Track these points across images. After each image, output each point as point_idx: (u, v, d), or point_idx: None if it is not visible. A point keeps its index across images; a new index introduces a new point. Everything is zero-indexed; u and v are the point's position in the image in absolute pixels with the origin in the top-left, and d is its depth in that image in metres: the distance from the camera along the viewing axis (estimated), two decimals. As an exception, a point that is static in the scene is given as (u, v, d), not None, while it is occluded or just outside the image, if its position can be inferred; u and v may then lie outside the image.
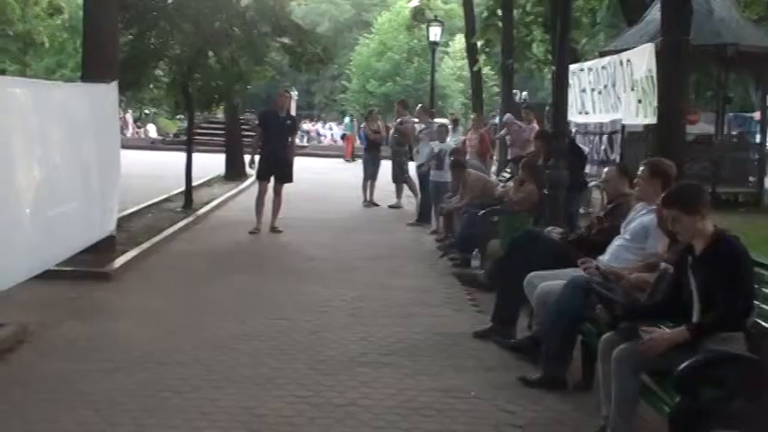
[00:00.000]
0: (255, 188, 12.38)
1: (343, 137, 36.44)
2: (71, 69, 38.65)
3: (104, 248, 8.83)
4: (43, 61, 39.79)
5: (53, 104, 7.20)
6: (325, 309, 7.32)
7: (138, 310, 7.04)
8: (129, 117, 46.87)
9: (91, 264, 8.27)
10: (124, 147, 31.18)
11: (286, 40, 13.94)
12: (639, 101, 9.82)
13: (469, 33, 22.11)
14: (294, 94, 49.04)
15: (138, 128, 50.00)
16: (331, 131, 49.57)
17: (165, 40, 13.78)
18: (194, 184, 16.64)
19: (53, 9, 26.78)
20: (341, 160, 32.32)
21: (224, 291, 7.98)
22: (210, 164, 20.59)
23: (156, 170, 20.38)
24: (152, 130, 46.89)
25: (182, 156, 14.26)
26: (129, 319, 6.68)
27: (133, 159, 26.46)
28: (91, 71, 9.09)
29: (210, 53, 14.11)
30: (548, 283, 5.40)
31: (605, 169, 6.60)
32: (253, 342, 6.12)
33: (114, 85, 9.04)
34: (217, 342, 6.09)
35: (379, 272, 9.22)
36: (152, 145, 38.22)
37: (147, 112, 47.85)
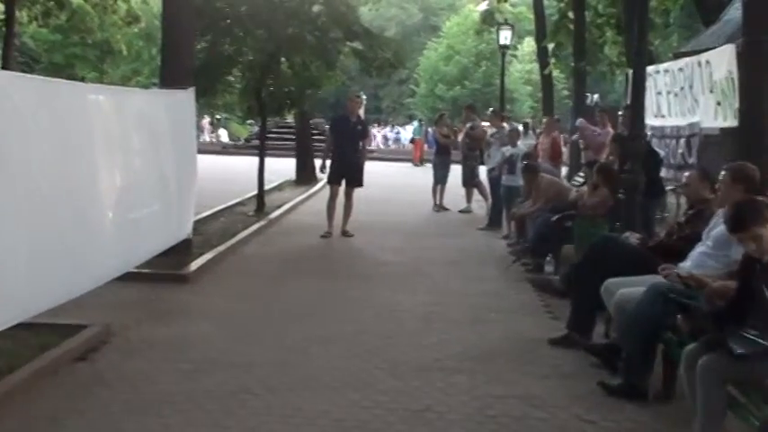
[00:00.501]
0: (326, 192, 12.50)
1: (412, 141, 36.42)
2: (146, 76, 39.58)
3: (181, 251, 9.01)
4: (120, 69, 40.80)
5: (134, 111, 7.39)
6: (397, 313, 7.33)
7: (214, 311, 7.16)
8: (206, 122, 47.79)
9: (168, 266, 8.43)
10: (198, 151, 31.78)
11: (357, 45, 14.02)
12: (719, 103, 9.55)
13: (540, 36, 21.88)
14: (363, 98, 49.46)
15: (211, 133, 50.96)
16: (398, 135, 49.65)
17: (238, 46, 14.00)
18: (267, 188, 16.90)
19: (131, 18, 27.36)
20: (409, 164, 32.34)
21: (297, 294, 8.06)
22: (281, 168, 20.85)
23: (228, 174, 20.73)
24: (224, 135, 47.68)
25: (252, 160, 14.46)
26: (206, 321, 6.80)
27: (206, 164, 27.16)
28: (168, 78, 9.29)
29: (283, 59, 14.29)
30: (627, 290, 5.30)
31: (685, 173, 6.44)
32: (327, 345, 6.16)
33: (191, 92, 9.22)
34: (292, 345, 6.15)
35: (451, 277, 9.20)
36: (224, 150, 38.85)
37: (218, 117, 48.71)
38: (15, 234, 5.14)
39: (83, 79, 37.68)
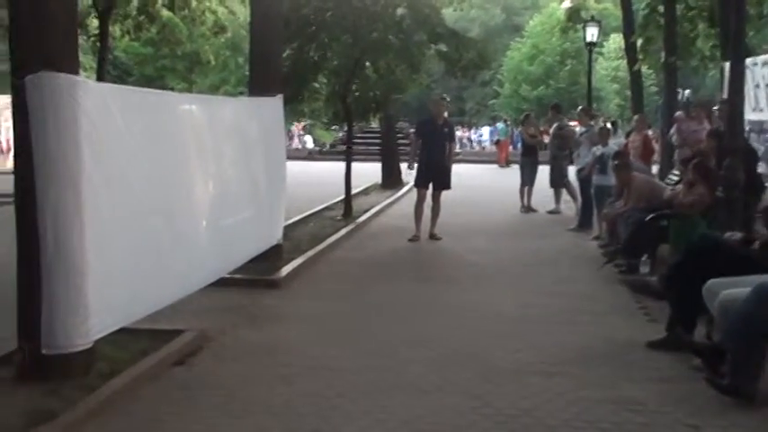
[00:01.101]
0: (412, 195, 12.49)
1: (497, 142, 36.10)
2: (233, 85, 40.39)
3: (273, 257, 9.14)
4: (208, 79, 41.73)
5: (225, 119, 7.53)
6: (489, 316, 7.25)
7: (306, 317, 7.21)
8: (296, 129, 48.51)
9: (260, 272, 8.55)
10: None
11: (442, 47, 13.97)
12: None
13: (628, 32, 21.38)
14: (447, 100, 49.35)
15: (291, 139, 51.63)
16: (480, 137, 49.38)
17: (324, 52, 14.12)
18: (354, 192, 17.00)
19: (218, 28, 27.94)
20: (494, 166, 32.08)
21: (388, 297, 8.06)
22: (366, 172, 20.93)
23: (315, 179, 20.94)
24: (309, 141, 48.29)
25: (338, 165, 14.54)
26: (299, 326, 6.86)
27: (293, 169, 27.53)
28: (257, 86, 9.42)
29: (368, 63, 14.36)
30: (732, 290, 5.10)
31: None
32: (419, 349, 6.13)
33: (280, 99, 9.34)
34: (384, 348, 6.15)
35: (542, 278, 9.06)
36: (309, 155, 39.33)
37: (305, 123, 49.38)
38: (115, 242, 5.29)
39: (172, 90, 38.72)
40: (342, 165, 14.30)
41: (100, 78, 22.24)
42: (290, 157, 33.72)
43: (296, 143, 49.51)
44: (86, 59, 35.70)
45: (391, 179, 20.29)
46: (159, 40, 27.51)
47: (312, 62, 14.08)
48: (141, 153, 5.66)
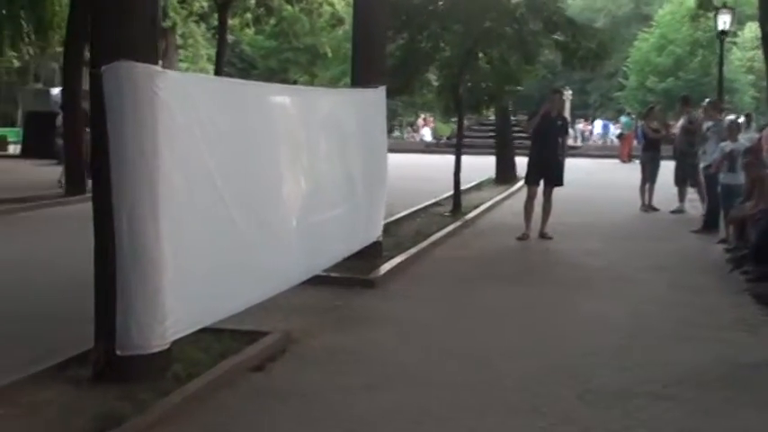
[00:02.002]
0: (525, 192, 11.91)
1: (620, 136, 34.70)
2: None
3: (371, 254, 8.83)
4: (329, 71, 42.00)
5: (320, 111, 7.25)
6: (596, 326, 6.70)
7: (399, 320, 6.86)
8: (422, 122, 48.41)
9: (357, 270, 8.25)
10: (400, 151, 32.07)
11: (558, 37, 13.30)
12: None
13: (765, 19, 19.98)
14: (568, 93, 48.00)
15: (414, 132, 51.52)
16: (592, 128, 47.81)
17: (435, 43, 13.71)
18: (465, 187, 16.54)
19: (335, 20, 27.98)
20: (616, 161, 30.86)
21: (489, 301, 7.61)
22: (483, 167, 20.45)
23: (428, 173, 20.58)
24: (427, 134, 47.95)
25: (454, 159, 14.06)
26: (391, 330, 6.50)
27: (407, 162, 27.26)
28: (360, 76, 9.12)
29: (480, 54, 13.87)
30: None
31: None
32: (515, 361, 5.67)
33: (382, 90, 9.00)
34: (479, 359, 5.72)
35: (658, 285, 8.39)
36: (426, 148, 38.97)
37: (423, 116, 49.18)
38: (195, 240, 5.08)
39: (295, 82, 39.24)
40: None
41: (218, 68, 22.65)
42: (405, 150, 33.93)
43: (415, 135, 49.46)
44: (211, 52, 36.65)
45: (505, 174, 19.68)
46: (277, 33, 27.88)
47: (424, 53, 13.69)
48: (226, 147, 5.42)
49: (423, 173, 22.19)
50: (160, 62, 5.37)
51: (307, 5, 25.96)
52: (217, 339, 5.67)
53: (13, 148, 30.76)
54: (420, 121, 49.19)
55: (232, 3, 22.66)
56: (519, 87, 17.75)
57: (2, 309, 6.93)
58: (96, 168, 4.89)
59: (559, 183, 11.39)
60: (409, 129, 54.34)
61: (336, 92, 9.05)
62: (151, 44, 4.95)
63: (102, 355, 4.90)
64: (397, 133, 54.90)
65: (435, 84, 14.74)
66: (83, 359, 5.10)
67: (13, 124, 41.53)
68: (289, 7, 25.93)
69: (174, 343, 5.08)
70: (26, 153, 28.04)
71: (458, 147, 14.04)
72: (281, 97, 6.39)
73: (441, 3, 13.29)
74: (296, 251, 6.45)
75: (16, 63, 31.09)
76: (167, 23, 33.83)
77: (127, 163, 4.68)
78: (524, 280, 8.66)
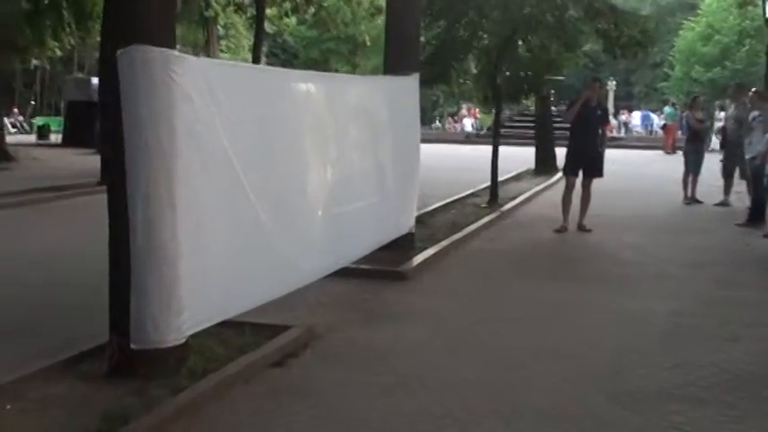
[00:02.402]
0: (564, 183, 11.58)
1: (664, 127, 34.00)
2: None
3: (403, 246, 8.62)
4: (371, 61, 41.77)
5: (349, 99, 7.03)
6: (634, 324, 6.40)
7: (429, 315, 6.63)
8: (467, 112, 48.09)
9: (387, 262, 8.04)
10: (439, 141, 31.90)
11: (599, 24, 12.89)
12: None
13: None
14: (612, 84, 47.17)
15: (456, 122, 51.15)
16: (629, 120, 46.90)
17: (473, 30, 13.40)
18: (504, 178, 16.29)
19: (374, 9, 27.73)
20: (660, 152, 30.22)
21: (522, 296, 7.34)
22: (523, 157, 20.11)
23: (467, 164, 20.30)
24: (467, 124, 47.55)
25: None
26: (419, 326, 6.27)
27: (447, 153, 26.96)
28: (392, 64, 8.88)
29: (519, 42, 13.55)
30: None
31: None
32: (548, 361, 5.40)
33: (415, 78, 8.76)
34: (509, 359, 5.47)
35: (700, 281, 8.04)
36: (466, 139, 38.59)
37: (466, 106, 48.80)
38: (213, 231, 4.90)
39: (336, 72, 39.07)
40: (499, 149, 13.61)
41: (255, 60, 22.53)
42: (445, 141, 33.76)
43: (456, 126, 49.13)
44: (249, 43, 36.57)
45: (545, 164, 19.31)
46: (315, 22, 27.71)
47: (461, 41, 13.40)
48: (247, 135, 5.23)
49: (461, 163, 21.93)
50: (201, 53, 5.20)
51: (345, -8, 25.73)
52: (237, 333, 5.50)
53: (55, 137, 31.06)
54: (463, 112, 48.83)
55: (270, -8, 22.52)
56: (560, 77, 17.42)
57: (27, 298, 6.86)
58: (109, 157, 4.71)
59: (599, 174, 11.05)
60: (450, 119, 54.00)
61: (367, 79, 8.84)
62: (168, 27, 4.75)
63: (116, 350, 4.76)
64: (438, 123, 54.67)
65: (473, 72, 14.42)
66: (99, 352, 4.96)
67: (57, 113, 42.06)
68: (328, -4, 25.74)
69: (193, 336, 4.92)
70: (67, 142, 28.30)
71: (495, 137, 13.74)
72: (307, 84, 6.15)
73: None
74: (322, 243, 6.25)
75: (58, 52, 31.32)
76: (210, 13, 33.94)
77: (142, 151, 4.51)
78: (560, 275, 8.37)
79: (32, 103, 48.43)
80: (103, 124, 4.74)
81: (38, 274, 7.79)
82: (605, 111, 11.45)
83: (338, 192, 6.54)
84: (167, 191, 4.56)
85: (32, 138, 32.63)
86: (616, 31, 12.89)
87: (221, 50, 39.92)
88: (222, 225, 5.00)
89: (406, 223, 8.63)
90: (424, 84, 13.61)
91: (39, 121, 37.22)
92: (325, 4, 27.14)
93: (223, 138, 4.97)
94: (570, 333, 6.13)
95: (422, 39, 14.54)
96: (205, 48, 39.84)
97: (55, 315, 6.25)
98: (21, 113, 46.52)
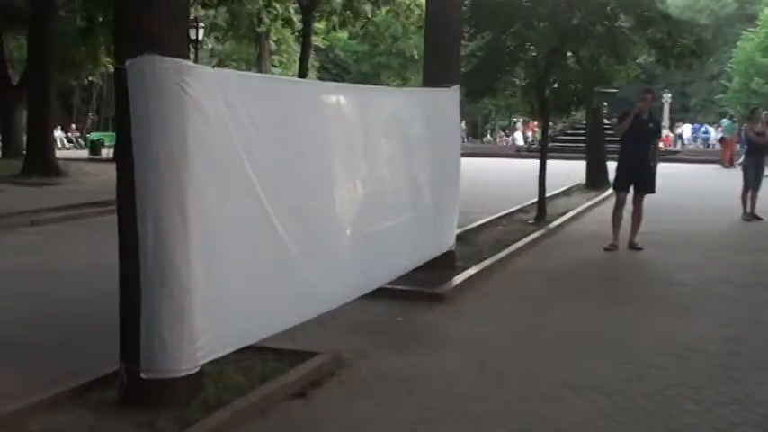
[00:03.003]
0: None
1: (722, 140, 33.06)
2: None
3: (443, 265, 8.27)
4: (421, 75, 41.57)
5: (383, 112, 6.70)
6: (685, 354, 5.92)
7: (465, 340, 6.24)
8: (520, 124, 47.60)
9: (425, 282, 7.70)
10: (490, 155, 31.59)
11: (652, 33, 12.35)
12: None
13: None
14: (667, 96, 46.18)
15: (507, 135, 50.64)
16: (680, 134, 45.77)
17: (520, 41, 12.99)
18: (554, 193, 15.88)
19: (423, 22, 27.44)
20: (716, 166, 29.35)
21: (565, 320, 6.90)
22: (575, 171, 19.59)
23: (516, 178, 19.85)
24: (519, 138, 47.00)
25: (547, 163, 13.29)
26: (453, 352, 5.90)
27: (495, 167, 26.52)
28: (431, 76, 8.55)
29: (569, 53, 13.10)
30: None
31: None
32: (590, 395, 4.98)
33: (456, 90, 8.41)
34: (547, 390, 5.06)
35: (761, 306, 7.52)
36: (517, 153, 38.06)
37: (516, 119, 48.29)
38: (229, 253, 4.61)
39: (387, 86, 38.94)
40: (550, 162, 13.18)
41: (301, 74, 22.45)
42: (496, 155, 33.45)
43: (507, 139, 48.65)
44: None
45: (596, 179, 18.77)
46: (363, 36, 27.56)
47: (508, 52, 12.99)
48: (268, 150, 4.94)
49: (511, 178, 21.48)
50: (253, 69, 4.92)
51: (394, 7, 25.53)
52: (259, 359, 5.22)
53: (107, 152, 31.36)
54: (518, 125, 48.30)
55: (317, 6, 22.42)
56: (613, 89, 16.87)
57: (66, 316, 6.71)
58: (121, 173, 4.46)
59: (651, 189, 10.54)
60: (502, 132, 53.49)
61: (402, 92, 8.49)
62: (180, 35, 4.48)
63: (125, 378, 4.49)
64: (489, 137, 54.19)
65: (520, 85, 14.00)
66: (111, 380, 4.70)
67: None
68: (375, 9, 25.57)
69: (212, 362, 4.63)
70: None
71: (542, 151, 13.33)
72: (335, 97, 5.84)
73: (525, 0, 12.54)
74: (349, 265, 5.91)
75: (111, 69, 31.70)
76: (262, 29, 34.09)
77: (152, 167, 4.25)
78: (608, 297, 7.90)
79: (90, 117, 49.31)
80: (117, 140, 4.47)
81: (83, 290, 7.62)
82: (658, 123, 10.93)
83: (369, 210, 6.21)
84: (179, 211, 4.29)
85: (86, 153, 33.05)
86: (670, 40, 12.33)
87: (273, 65, 40.11)
88: (240, 247, 4.71)
89: (446, 242, 8.27)
90: (469, 96, 13.34)
91: (93, 136, 37.77)
92: (373, 18, 26.98)
93: (242, 153, 4.68)
94: (616, 362, 5.69)
95: (466, 51, 14.29)
96: (257, 63, 40.12)
97: (89, 332, 6.02)
98: (78, 129, 47.38)
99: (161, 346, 4.36)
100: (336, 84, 6.72)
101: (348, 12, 24.88)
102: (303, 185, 5.35)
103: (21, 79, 25.65)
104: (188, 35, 4.58)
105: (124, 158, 4.40)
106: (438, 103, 7.96)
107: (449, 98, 8.22)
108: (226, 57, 45.17)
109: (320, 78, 49.14)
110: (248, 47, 40.68)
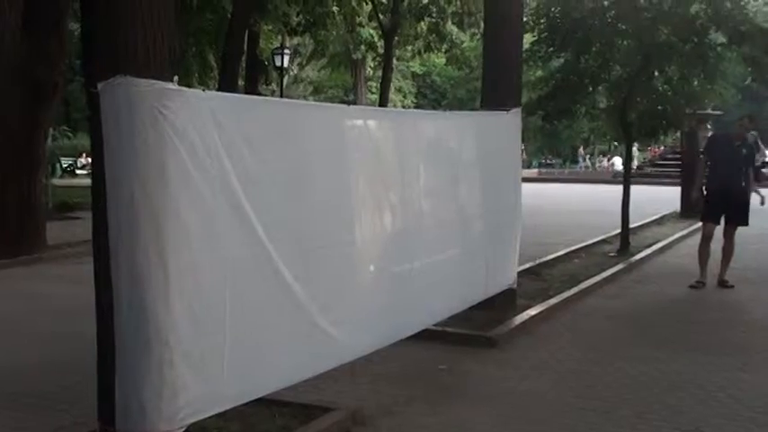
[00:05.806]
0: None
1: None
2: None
3: (502, 304, 7.57)
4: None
5: (420, 138, 6.08)
6: (769, 417, 5.06)
7: (510, 394, 5.52)
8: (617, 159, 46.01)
9: (477, 324, 7.01)
10: (585, 181, 30.39)
11: (746, 49, 11.33)
12: None
13: None
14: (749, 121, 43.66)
15: (608, 160, 49.08)
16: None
17: (603, 60, 12.17)
18: (644, 221, 14.97)
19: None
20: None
21: (631, 373, 6.05)
22: (671, 198, 18.42)
23: (608, 205, 18.74)
24: (617, 163, 45.40)
25: (642, 189, 12.48)
26: (494, 410, 5.18)
27: (589, 193, 25.40)
28: (491, 98, 7.88)
29: (655, 72, 12.19)
30: None
31: None
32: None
33: (516, 113, 7.72)
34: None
35: None
36: (614, 178, 36.68)
37: (615, 143, 46.69)
38: (218, 297, 4.06)
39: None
40: (649, 189, 12.28)
41: (382, 100, 22.04)
42: (592, 180, 32.16)
43: (606, 165, 47.15)
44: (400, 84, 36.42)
45: (690, 207, 17.56)
46: (448, 60, 26.98)
47: (589, 72, 12.19)
48: (271, 184, 4.38)
49: (602, 205, 20.34)
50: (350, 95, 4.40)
51: (479, 30, 24.88)
52: (267, 413, 4.67)
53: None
54: (615, 159, 46.67)
55: (398, 29, 22.06)
56: (718, 112, 15.74)
57: (80, 357, 6.31)
58: (95, 208, 3.99)
59: (743, 221, 9.54)
60: (601, 157, 51.88)
61: (450, 115, 7.82)
62: (162, 53, 3.97)
63: (100, 439, 4.00)
64: (588, 161, 52.62)
65: (603, 107, 13.16)
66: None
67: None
68: (461, 33, 25.02)
69: (217, 415, 4.11)
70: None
71: (626, 177, 12.43)
72: (360, 122, 5.26)
73: (607, 15, 11.71)
74: (376, 309, 5.27)
75: (204, 96, 32.25)
76: (357, 56, 34.00)
77: (126, 207, 3.75)
78: (686, 344, 6.99)
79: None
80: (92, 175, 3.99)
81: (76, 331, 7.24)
82: (751, 149, 9.92)
83: (401, 246, 5.57)
84: (157, 250, 3.77)
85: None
86: (767, 56, 11.29)
87: (371, 91, 40.00)
88: (235, 291, 4.16)
89: (504, 279, 7.53)
90: (546, 119, 12.58)
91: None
92: (459, 43, 26.38)
93: (237, 187, 4.13)
94: (689, 426, 4.87)
95: (541, 72, 13.54)
96: (354, 90, 40.05)
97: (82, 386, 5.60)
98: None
99: (137, 403, 3.84)
100: (362, 108, 6.19)
101: (434, 35, 24.39)
102: (317, 222, 4.76)
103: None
104: (174, 52, 4.07)
105: (98, 191, 3.93)
106: (493, 128, 7.28)
107: (507, 122, 7.53)
108: (319, 84, 45.43)
109: (417, 104, 48.80)
110: (343, 74, 40.72)
